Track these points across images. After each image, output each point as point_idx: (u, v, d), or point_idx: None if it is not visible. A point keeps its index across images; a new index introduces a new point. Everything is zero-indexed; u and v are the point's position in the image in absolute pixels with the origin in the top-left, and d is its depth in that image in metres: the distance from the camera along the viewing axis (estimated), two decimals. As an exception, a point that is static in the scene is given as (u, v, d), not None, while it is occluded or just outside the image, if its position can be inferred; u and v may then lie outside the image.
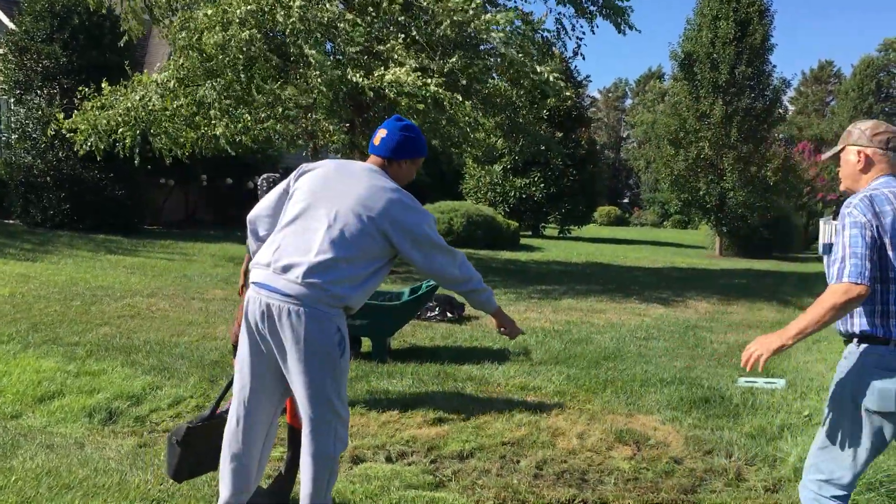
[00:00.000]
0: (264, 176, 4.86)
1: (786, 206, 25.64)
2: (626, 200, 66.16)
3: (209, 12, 10.85)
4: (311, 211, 3.06)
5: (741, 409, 5.51)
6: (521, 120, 14.35)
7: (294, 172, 3.26)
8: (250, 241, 3.36)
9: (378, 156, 3.22)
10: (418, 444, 4.56)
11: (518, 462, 4.34)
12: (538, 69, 11.74)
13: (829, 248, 2.85)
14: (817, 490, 2.85)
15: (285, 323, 2.94)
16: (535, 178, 28.41)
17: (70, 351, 6.53)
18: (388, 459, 4.33)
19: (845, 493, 2.82)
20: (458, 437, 4.69)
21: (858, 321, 2.76)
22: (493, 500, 3.80)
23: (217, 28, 10.63)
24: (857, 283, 2.61)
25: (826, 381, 6.46)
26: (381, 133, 3.23)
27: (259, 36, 10.86)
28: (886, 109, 56.92)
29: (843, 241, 2.70)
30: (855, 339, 2.77)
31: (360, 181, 3.08)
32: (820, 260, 24.20)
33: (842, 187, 3.01)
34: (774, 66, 25.75)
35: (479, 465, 4.26)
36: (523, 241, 25.09)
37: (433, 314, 9.00)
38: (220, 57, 10.80)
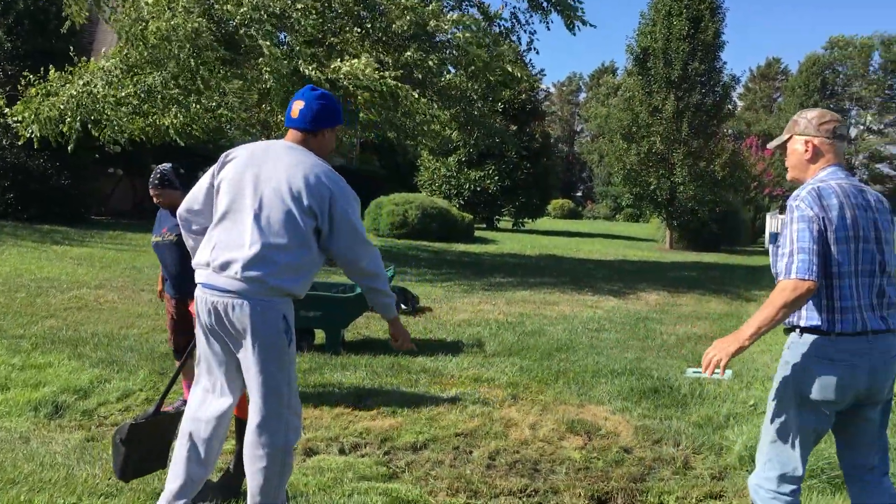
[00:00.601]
0: (158, 168, 4.76)
1: (734, 201, 26.17)
2: (579, 194, 66.82)
3: (151, 0, 10.62)
4: (238, 202, 3.02)
5: (689, 399, 5.63)
6: (475, 112, 14.40)
7: (217, 162, 3.19)
8: (185, 237, 3.31)
9: (298, 129, 3.16)
10: (372, 436, 4.56)
11: (471, 453, 4.37)
12: (509, 69, 11.86)
13: (774, 237, 2.89)
14: (775, 488, 2.83)
15: (232, 318, 2.96)
16: (490, 171, 28.52)
17: (15, 344, 6.37)
18: (342, 451, 4.33)
19: (798, 486, 2.85)
20: (412, 429, 4.70)
21: (805, 313, 2.76)
22: (447, 490, 3.82)
23: (161, 18, 10.41)
24: (805, 279, 2.60)
25: (771, 371, 6.63)
26: (298, 105, 3.15)
27: (206, 25, 10.67)
28: (831, 106, 58.36)
29: (790, 235, 2.68)
30: (798, 330, 2.78)
31: (281, 162, 3.03)
32: (766, 253, 24.80)
33: (789, 177, 3.00)
34: (725, 63, 26.23)
35: (432, 457, 4.28)
36: (478, 233, 25.18)
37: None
38: (165, 47, 10.58)
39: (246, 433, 3.08)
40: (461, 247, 20.06)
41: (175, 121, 11.77)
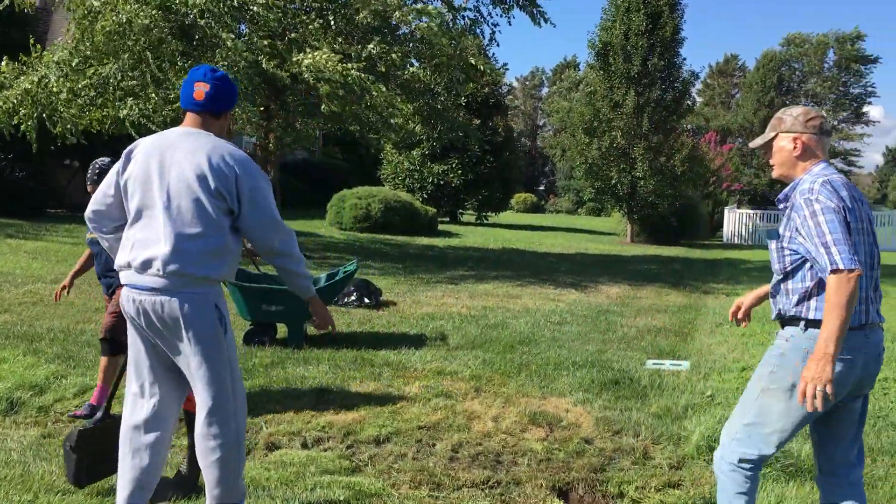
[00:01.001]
0: (95, 163, 4.66)
1: (693, 195, 26.55)
2: (542, 188, 67.18)
3: None
4: (148, 198, 2.99)
5: (649, 390, 5.71)
6: (439, 106, 14.40)
7: (121, 159, 3.13)
8: (99, 238, 3.24)
9: (199, 112, 3.11)
10: (334, 430, 4.56)
11: (434, 446, 4.39)
12: (472, 61, 11.88)
13: (775, 233, 2.87)
14: (736, 462, 2.86)
15: (162, 316, 2.94)
16: (453, 165, 28.54)
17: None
18: (304, 445, 4.32)
19: (759, 468, 2.90)
20: (375, 423, 4.71)
21: (816, 305, 2.73)
22: (409, 483, 3.84)
23: (110, 15, 10.19)
24: (854, 269, 2.54)
25: (728, 362, 6.76)
26: (202, 87, 3.09)
27: (160, 17, 10.48)
28: (787, 102, 59.42)
29: (819, 227, 2.63)
30: (803, 323, 2.77)
31: (183, 149, 3.00)
32: (725, 247, 25.22)
33: (776, 174, 3.00)
34: (684, 59, 26.56)
35: (395, 450, 4.29)
36: (441, 227, 25.20)
37: (350, 300, 8.97)
38: (117, 41, 10.37)
39: (196, 426, 3.06)
40: (424, 240, 20.06)
41: (131, 112, 11.55)
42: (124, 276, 3.03)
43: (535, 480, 3.93)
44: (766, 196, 48.98)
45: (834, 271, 2.56)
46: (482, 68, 12.70)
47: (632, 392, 5.65)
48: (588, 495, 3.87)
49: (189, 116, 3.13)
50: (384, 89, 10.90)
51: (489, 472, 4.02)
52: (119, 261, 3.05)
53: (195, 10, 10.45)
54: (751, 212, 28.30)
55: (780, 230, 2.86)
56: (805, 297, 2.78)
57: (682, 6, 24.32)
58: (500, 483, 3.90)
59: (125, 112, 11.51)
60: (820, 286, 2.73)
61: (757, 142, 3.06)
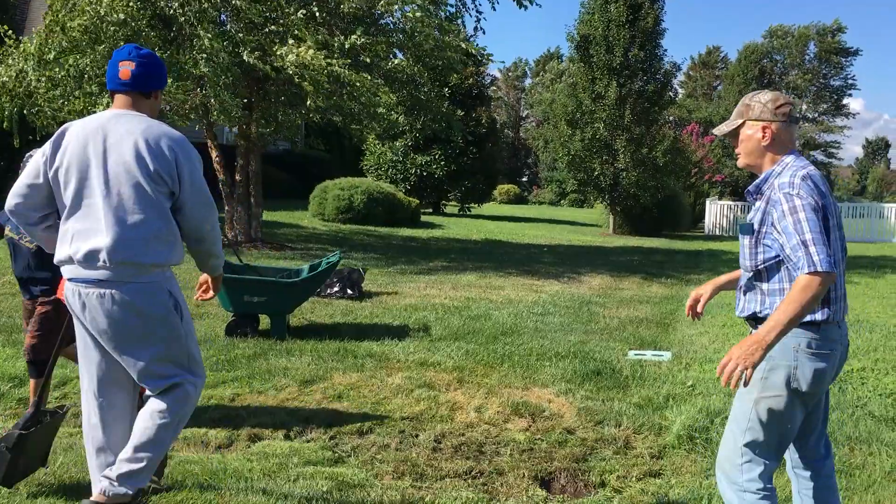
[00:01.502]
0: (29, 154, 4.42)
1: (675, 187, 26.66)
2: (524, 179, 67.21)
3: None
4: (85, 187, 2.88)
5: (630, 380, 5.75)
6: (422, 97, 14.37)
7: (47, 147, 2.97)
8: (26, 231, 3.10)
9: (127, 91, 3.00)
10: (317, 421, 4.56)
11: (417, 436, 4.40)
12: (463, 45, 11.85)
13: (749, 228, 2.72)
14: (763, 485, 2.71)
15: (111, 309, 2.85)
16: (436, 156, 28.49)
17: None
18: (287, 437, 4.32)
19: (771, 481, 2.77)
20: (358, 414, 4.72)
21: None
22: (392, 474, 3.85)
23: (87, 7, 10.07)
24: (830, 272, 2.46)
25: (709, 353, 6.81)
26: (128, 65, 2.98)
27: (136, 9, 10.37)
28: (768, 95, 59.76)
29: (800, 225, 2.52)
30: None
31: (118, 133, 2.89)
32: (706, 239, 25.37)
33: (741, 164, 2.86)
34: (666, 51, 26.64)
35: (378, 441, 4.30)
36: (424, 218, 25.18)
37: (333, 291, 8.95)
38: (92, 35, 10.26)
39: (150, 405, 3.01)
40: (407, 231, 20.04)
41: (105, 105, 11.44)
42: (67, 271, 2.91)
43: (517, 470, 3.95)
44: (748, 188, 49.28)
45: (812, 273, 2.46)
46: (474, 52, 12.70)
47: (614, 382, 5.68)
48: (570, 484, 3.90)
49: (117, 98, 3.01)
50: (368, 78, 10.86)
51: (472, 463, 4.04)
52: (59, 255, 2.92)
53: (175, 2, 10.34)
54: (732, 203, 28.46)
55: (756, 225, 2.71)
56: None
57: (663, -2, 24.37)
58: (483, 473, 3.92)
59: (104, 104, 11.39)
60: None
61: (722, 129, 2.88)
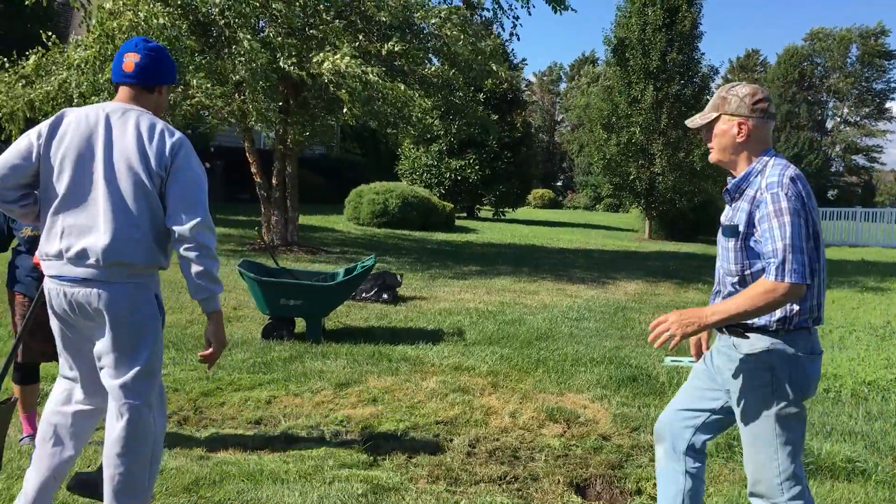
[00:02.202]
0: None
1: (712, 191, 26.36)
2: (559, 183, 66.96)
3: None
4: (82, 179, 2.75)
5: (667, 387, 5.69)
6: (457, 101, 14.40)
7: (42, 129, 2.82)
8: (3, 207, 2.85)
9: (132, 84, 2.88)
10: (352, 424, 4.58)
11: (451, 441, 4.40)
12: (495, 67, 11.89)
13: (733, 230, 2.60)
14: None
15: (100, 308, 2.73)
16: (471, 160, 28.50)
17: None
18: (323, 439, 4.34)
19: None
20: (393, 417, 4.73)
21: (797, 309, 2.56)
22: (427, 478, 3.85)
23: (128, 15, 10.25)
24: (801, 284, 2.40)
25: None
26: (132, 57, 2.87)
27: (178, 15, 10.53)
28: (809, 98, 58.91)
29: (784, 230, 2.43)
30: (783, 331, 2.57)
31: (120, 127, 2.79)
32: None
33: (713, 159, 2.74)
34: (703, 54, 26.34)
35: (413, 444, 4.31)
36: (458, 222, 25.19)
37: (368, 295, 8.99)
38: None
39: (110, 428, 2.81)
40: (441, 236, 20.07)
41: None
42: (52, 267, 2.76)
43: (552, 476, 3.93)
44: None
45: (780, 281, 2.41)
46: (502, 74, 12.74)
47: (650, 389, 5.63)
48: (606, 491, 3.87)
49: (121, 90, 2.91)
50: (403, 88, 10.91)
51: (506, 468, 4.02)
52: (47, 249, 2.77)
53: (216, 8, 10.49)
54: (771, 208, 28.06)
55: (741, 227, 2.57)
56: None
57: (700, 0, 24.13)
58: (518, 478, 3.91)
59: None
60: None
61: (696, 121, 2.75)
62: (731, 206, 2.68)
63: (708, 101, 25.91)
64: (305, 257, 12.87)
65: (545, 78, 78.23)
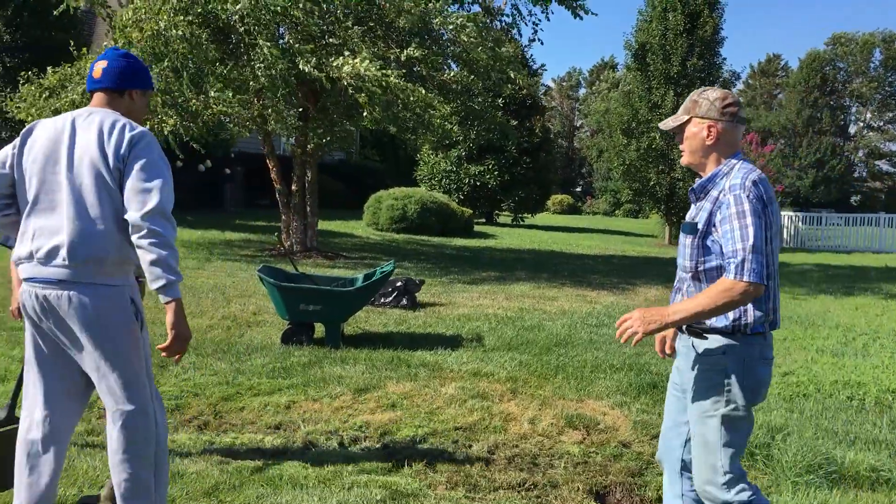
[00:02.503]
0: None
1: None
2: (578, 189, 66.78)
3: (137, 5, 10.60)
4: (48, 183, 2.78)
5: (688, 394, 5.64)
6: (476, 107, 14.42)
7: (19, 138, 2.90)
8: None
9: (103, 89, 2.90)
10: (371, 430, 4.58)
11: (470, 447, 4.38)
12: (513, 75, 11.91)
13: (693, 227, 2.67)
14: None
15: (71, 311, 2.72)
16: (490, 166, 28.51)
17: (14, 336, 6.39)
18: (342, 444, 4.34)
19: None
20: (411, 423, 4.72)
21: (752, 313, 2.62)
22: (446, 484, 3.84)
23: (150, 25, 10.35)
24: (760, 284, 2.47)
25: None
26: (101, 64, 2.91)
27: (199, 26, 10.61)
28: (832, 103, 58.38)
29: (745, 231, 2.50)
30: (739, 333, 2.64)
31: (82, 128, 2.80)
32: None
33: (684, 162, 2.81)
34: (724, 59, 26.17)
35: (431, 450, 4.30)
36: (477, 228, 25.19)
37: (387, 300, 9.00)
38: (152, 53, 10.52)
39: (109, 436, 2.81)
40: (460, 241, 20.06)
41: (175, 123, 11.76)
42: (25, 270, 2.78)
43: (571, 483, 3.91)
44: (809, 198, 48.10)
45: (739, 280, 2.47)
46: (520, 82, 12.76)
47: (670, 396, 5.58)
48: (626, 499, 3.84)
49: (93, 98, 2.94)
50: (423, 92, 10.94)
51: (525, 475, 4.00)
52: (19, 252, 2.80)
53: (235, 15, 10.58)
54: (793, 214, 27.80)
55: (700, 225, 2.65)
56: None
57: (722, 5, 24.02)
58: (537, 485, 3.89)
59: (169, 127, 11.72)
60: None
61: (668, 123, 2.83)
62: (695, 205, 2.77)
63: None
64: (324, 263, 12.92)
65: (564, 83, 78.09)
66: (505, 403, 5.23)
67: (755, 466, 4.19)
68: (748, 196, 2.53)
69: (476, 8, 13.63)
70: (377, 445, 4.35)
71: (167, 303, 2.73)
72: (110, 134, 2.77)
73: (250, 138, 17.48)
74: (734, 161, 2.69)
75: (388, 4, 11.29)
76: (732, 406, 2.65)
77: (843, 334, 8.39)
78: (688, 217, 2.78)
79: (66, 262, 2.70)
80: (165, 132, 11.81)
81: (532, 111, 30.35)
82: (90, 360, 2.78)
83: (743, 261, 2.47)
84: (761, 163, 31.35)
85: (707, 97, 2.72)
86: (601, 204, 55.42)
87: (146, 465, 2.82)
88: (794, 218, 27.22)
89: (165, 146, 12.63)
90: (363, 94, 10.76)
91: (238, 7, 10.38)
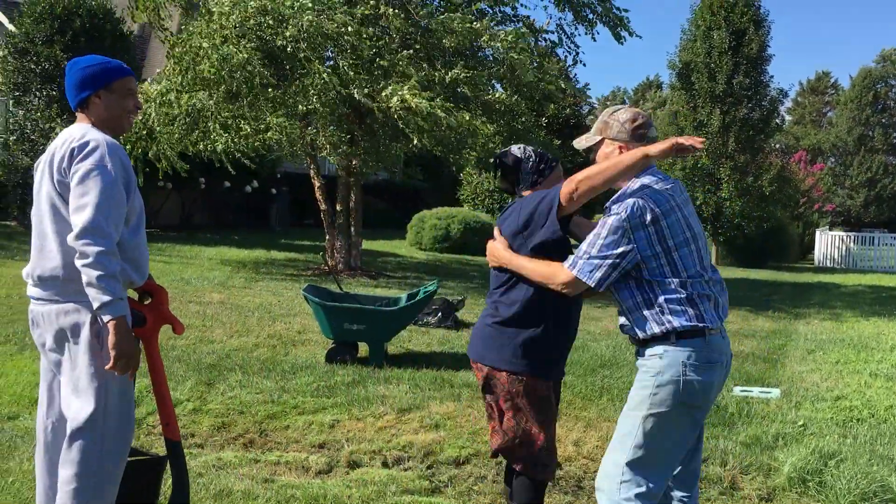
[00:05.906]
0: None
1: (782, 216, 25.71)
2: (623, 208, 66.26)
3: (203, 29, 10.85)
4: (35, 206, 2.88)
5: (736, 418, 5.53)
6: (520, 126, 14.41)
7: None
8: None
9: (74, 110, 2.91)
10: (415, 450, 4.57)
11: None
12: (562, 84, 11.95)
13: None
14: None
15: (55, 326, 2.78)
16: (533, 186, 28.44)
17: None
18: (385, 464, 4.35)
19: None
20: (455, 444, 4.70)
21: (671, 314, 2.66)
22: (489, 506, 3.81)
23: (213, 54, 10.58)
24: (578, 281, 2.76)
25: (821, 391, 6.49)
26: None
27: (257, 53, 10.83)
28: (884, 121, 57.10)
29: (594, 239, 2.75)
30: (672, 336, 2.67)
31: (55, 148, 2.82)
32: (816, 271, 24.29)
33: None
34: (772, 77, 25.79)
35: (474, 472, 4.28)
36: (520, 247, 25.10)
37: (430, 320, 9.01)
38: (221, 76, 10.74)
39: (63, 452, 2.78)
40: (504, 261, 19.99)
41: (227, 145, 12.03)
42: (28, 290, 2.92)
43: (617, 508, 3.84)
44: (861, 218, 46.99)
45: (569, 269, 2.77)
46: (569, 91, 12.78)
47: (718, 419, 5.48)
48: (673, 525, 3.76)
49: (77, 117, 2.96)
50: (468, 118, 11.00)
51: (570, 497, 3.96)
52: (24, 273, 2.93)
53: (289, 39, 10.76)
54: (844, 234, 27.20)
55: None
56: (659, 311, 2.68)
57: (769, 23, 23.71)
58: (582, 509, 3.83)
59: (221, 147, 11.98)
60: (662, 292, 2.67)
61: (581, 143, 2.94)
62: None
63: (777, 124, 25.43)
64: (368, 282, 12.99)
65: (609, 102, 77.80)
66: (549, 425, 5.18)
67: (807, 493, 4.09)
68: (616, 211, 2.69)
69: (520, 26, 13.66)
70: (420, 466, 4.34)
71: (106, 322, 2.66)
72: (61, 148, 2.77)
73: (298, 159, 17.71)
74: (638, 178, 2.76)
75: (435, 26, 11.37)
76: (656, 409, 2.67)
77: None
78: None
79: (34, 281, 2.84)
80: (219, 149, 12.06)
81: (576, 131, 30.24)
82: (75, 373, 2.79)
83: (579, 258, 2.74)
84: (810, 181, 30.78)
85: (617, 119, 2.80)
86: (646, 223, 54.87)
87: (86, 483, 2.78)
88: (845, 238, 26.63)
89: (219, 164, 12.92)
90: (410, 128, 10.90)
91: (291, 32, 10.56)
